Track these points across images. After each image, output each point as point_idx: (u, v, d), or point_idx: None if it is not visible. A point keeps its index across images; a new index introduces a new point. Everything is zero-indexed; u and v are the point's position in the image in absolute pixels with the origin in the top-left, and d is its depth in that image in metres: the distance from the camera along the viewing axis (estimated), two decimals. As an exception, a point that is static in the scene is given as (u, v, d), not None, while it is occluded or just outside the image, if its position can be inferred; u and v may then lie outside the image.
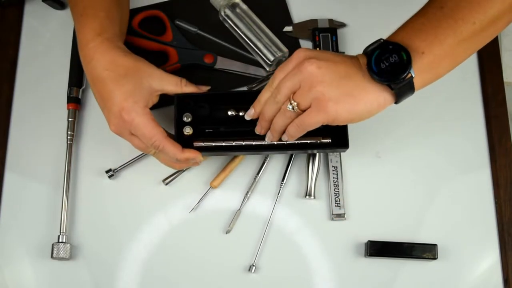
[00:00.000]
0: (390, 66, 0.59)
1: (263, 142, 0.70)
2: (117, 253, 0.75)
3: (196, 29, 0.84)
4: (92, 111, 0.81)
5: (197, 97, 0.73)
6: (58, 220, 0.75)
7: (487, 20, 0.59)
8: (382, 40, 0.61)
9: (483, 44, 0.63)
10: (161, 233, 0.76)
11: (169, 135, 0.69)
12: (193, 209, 0.76)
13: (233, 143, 0.72)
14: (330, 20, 0.84)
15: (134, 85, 0.66)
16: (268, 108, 0.64)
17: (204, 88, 0.72)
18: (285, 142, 0.70)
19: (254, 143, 0.71)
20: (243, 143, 0.72)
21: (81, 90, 0.80)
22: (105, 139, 0.79)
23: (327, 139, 0.72)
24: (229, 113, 0.73)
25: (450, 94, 0.82)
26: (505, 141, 0.79)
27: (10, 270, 0.75)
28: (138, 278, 0.75)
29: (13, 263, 0.75)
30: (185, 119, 0.73)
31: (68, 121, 0.78)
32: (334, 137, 0.72)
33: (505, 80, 0.83)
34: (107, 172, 0.77)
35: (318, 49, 0.78)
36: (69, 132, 0.78)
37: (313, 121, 0.61)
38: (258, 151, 0.74)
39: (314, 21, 0.85)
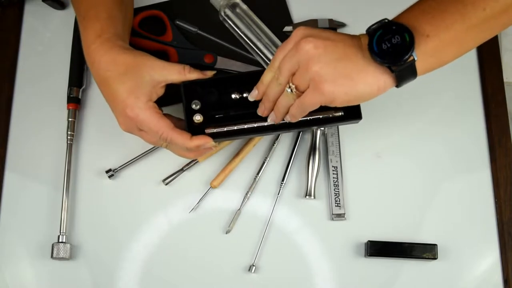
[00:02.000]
0: (392, 47, 0.56)
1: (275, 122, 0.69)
2: (117, 253, 0.75)
3: (196, 29, 0.84)
4: (92, 111, 0.81)
5: (203, 83, 0.72)
6: (58, 220, 0.75)
7: (498, 7, 0.57)
8: (386, 20, 0.58)
9: (494, 34, 0.60)
10: (161, 233, 0.76)
11: (182, 123, 0.69)
12: (193, 209, 0.76)
13: (245, 126, 0.70)
14: (330, 20, 0.84)
15: (135, 81, 0.65)
16: (271, 90, 0.63)
17: (209, 73, 0.70)
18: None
19: (266, 123, 0.69)
20: (255, 125, 0.70)
21: (81, 90, 0.80)
22: (105, 139, 0.80)
23: (339, 113, 0.70)
24: (238, 96, 0.72)
25: (450, 94, 0.82)
26: (505, 141, 0.79)
27: (10, 270, 0.75)
28: (138, 278, 0.75)
29: (13, 263, 0.75)
30: (194, 106, 0.71)
31: (68, 121, 0.78)
32: (346, 110, 0.70)
33: (505, 80, 0.83)
34: (107, 172, 0.77)
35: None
36: (69, 132, 0.78)
37: (311, 102, 0.60)
38: (270, 132, 0.72)
39: (314, 21, 0.85)
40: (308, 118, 0.70)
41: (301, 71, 0.59)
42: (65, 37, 0.83)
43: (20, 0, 0.85)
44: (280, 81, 0.61)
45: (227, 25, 0.82)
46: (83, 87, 0.81)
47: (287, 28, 0.84)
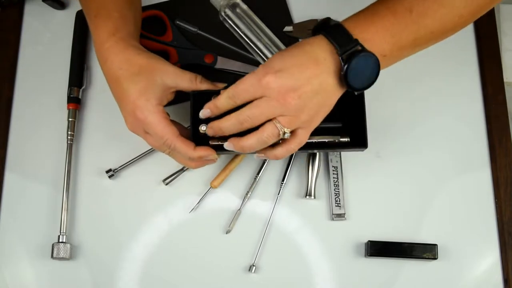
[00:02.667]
0: (359, 73, 0.60)
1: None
2: (117, 253, 0.75)
3: (196, 29, 0.84)
4: (92, 111, 0.81)
5: (213, 94, 0.70)
6: (58, 220, 0.75)
7: (442, 31, 0.63)
8: (358, 47, 0.59)
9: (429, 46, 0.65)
10: (161, 233, 0.76)
11: (186, 131, 0.69)
12: (193, 209, 0.77)
13: None
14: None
15: (147, 83, 0.66)
16: (230, 127, 0.63)
17: (220, 85, 0.70)
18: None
19: None
20: None
21: (81, 90, 0.80)
22: (105, 139, 0.80)
23: (345, 138, 0.71)
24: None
25: (450, 94, 0.82)
26: (505, 141, 0.79)
27: (10, 270, 0.75)
28: (138, 278, 0.75)
29: (13, 263, 0.75)
30: (201, 117, 0.70)
31: (68, 121, 0.78)
32: (353, 136, 0.71)
33: (505, 80, 0.83)
34: (107, 172, 0.77)
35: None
36: (69, 132, 0.78)
37: (303, 141, 0.64)
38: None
39: (314, 21, 0.85)
40: (314, 141, 0.70)
41: (291, 119, 0.61)
42: (65, 37, 0.83)
43: (20, 0, 0.85)
44: (245, 125, 0.62)
45: (227, 25, 0.82)
46: (83, 87, 0.81)
47: (287, 28, 0.84)
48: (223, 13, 0.81)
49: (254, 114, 0.61)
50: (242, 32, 0.81)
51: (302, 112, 0.60)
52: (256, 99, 0.60)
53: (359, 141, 0.71)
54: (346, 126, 0.72)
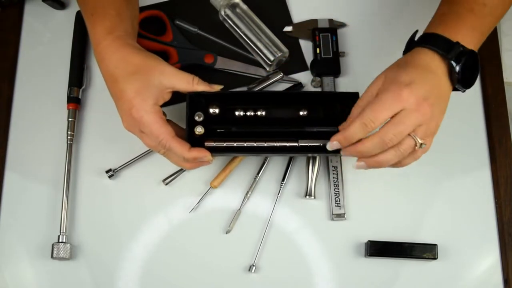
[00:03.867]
0: (467, 72, 0.65)
1: (275, 144, 0.70)
2: (117, 253, 0.75)
3: (196, 29, 0.84)
4: (92, 111, 0.81)
5: (209, 96, 0.72)
6: (58, 220, 0.75)
7: (504, 12, 0.69)
8: (460, 49, 0.63)
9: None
10: (161, 233, 0.76)
11: (183, 132, 0.69)
12: (193, 209, 0.76)
13: (245, 144, 0.70)
14: (330, 20, 0.84)
15: (144, 83, 0.66)
16: (371, 149, 0.63)
17: (217, 87, 0.70)
18: (297, 145, 0.69)
19: (266, 144, 0.70)
20: (255, 145, 0.70)
21: (81, 90, 0.80)
22: (105, 139, 0.80)
23: None
24: (242, 113, 0.72)
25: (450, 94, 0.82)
26: (505, 141, 0.79)
27: (10, 270, 0.75)
28: (138, 278, 0.75)
29: (13, 263, 0.75)
30: (196, 118, 0.71)
31: (68, 121, 0.78)
32: None
33: (505, 80, 0.83)
34: (107, 172, 0.77)
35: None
36: (69, 132, 0.78)
37: (423, 153, 0.66)
38: (270, 153, 0.73)
39: (314, 21, 0.85)
40: (312, 144, 0.70)
41: (425, 129, 0.62)
42: (65, 37, 0.83)
43: (20, 0, 0.85)
44: (389, 145, 0.62)
45: (227, 25, 0.82)
46: (83, 87, 0.81)
47: (287, 28, 0.84)
48: (223, 13, 0.81)
49: (399, 130, 0.61)
50: (242, 32, 0.81)
51: (433, 120, 0.62)
52: (394, 115, 0.61)
53: None
54: None
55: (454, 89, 0.65)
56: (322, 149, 0.70)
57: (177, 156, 0.67)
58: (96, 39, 0.67)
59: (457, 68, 0.63)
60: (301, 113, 0.72)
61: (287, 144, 0.69)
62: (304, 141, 0.69)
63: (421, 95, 0.61)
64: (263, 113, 0.72)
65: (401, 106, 0.60)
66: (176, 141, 0.66)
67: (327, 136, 0.66)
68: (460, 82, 0.64)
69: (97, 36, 0.67)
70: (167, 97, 0.68)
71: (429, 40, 0.64)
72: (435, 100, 0.62)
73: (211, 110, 0.72)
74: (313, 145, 0.70)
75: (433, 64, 0.63)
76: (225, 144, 0.70)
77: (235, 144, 0.70)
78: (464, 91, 0.66)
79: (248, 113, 0.72)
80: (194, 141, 0.69)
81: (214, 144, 0.70)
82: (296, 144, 0.69)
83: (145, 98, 0.65)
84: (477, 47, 0.66)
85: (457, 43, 0.63)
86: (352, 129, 0.62)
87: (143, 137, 0.68)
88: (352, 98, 0.69)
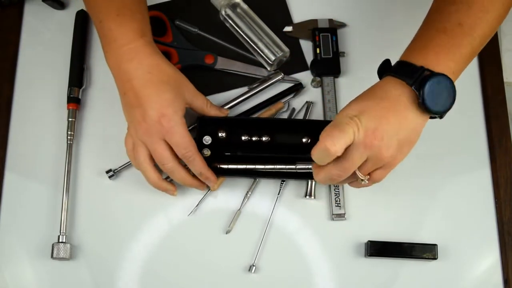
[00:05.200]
0: (437, 97, 0.60)
1: (282, 166, 0.73)
2: (117, 253, 0.75)
3: (196, 30, 0.84)
4: (92, 111, 0.81)
5: (218, 120, 0.75)
6: (58, 220, 0.75)
7: (491, 33, 0.64)
8: (425, 73, 0.60)
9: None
10: (161, 233, 0.76)
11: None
12: (191, 212, 0.76)
13: (251, 166, 0.73)
14: (330, 20, 0.85)
15: (175, 95, 0.67)
16: (323, 180, 0.64)
17: (225, 112, 0.75)
18: (304, 171, 0.70)
19: (269, 166, 0.73)
20: (261, 167, 0.73)
21: (81, 90, 0.80)
22: (105, 139, 0.80)
23: None
24: (247, 138, 0.75)
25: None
26: (505, 141, 0.80)
27: (10, 270, 0.75)
28: (138, 278, 0.75)
29: (13, 263, 0.75)
30: (204, 141, 0.75)
31: (68, 121, 0.78)
32: None
33: (505, 80, 0.83)
34: (107, 172, 0.77)
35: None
36: (69, 132, 0.78)
37: (382, 177, 0.64)
38: (276, 177, 0.76)
39: (314, 21, 0.85)
40: (298, 166, 0.71)
41: (374, 161, 0.61)
42: (65, 37, 0.83)
43: (20, 0, 0.85)
44: (347, 175, 0.62)
45: (227, 25, 0.82)
46: (83, 87, 0.81)
47: (287, 28, 0.84)
48: (223, 13, 0.81)
49: (344, 167, 0.61)
50: (243, 32, 0.81)
51: (384, 151, 0.60)
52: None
53: None
54: None
55: (430, 112, 0.61)
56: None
57: (194, 169, 0.70)
58: (123, 39, 0.67)
59: (420, 94, 0.59)
60: (304, 140, 0.75)
61: (295, 170, 0.71)
62: (301, 164, 0.70)
63: (369, 126, 0.58)
64: (268, 138, 0.75)
65: (350, 140, 0.59)
66: (200, 156, 0.69)
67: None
68: (425, 108, 0.59)
69: (125, 36, 0.67)
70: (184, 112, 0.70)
71: (395, 68, 0.62)
72: (390, 130, 0.59)
73: (220, 134, 0.75)
74: (301, 170, 0.71)
75: (394, 93, 0.60)
76: (233, 166, 0.74)
77: (242, 167, 0.73)
78: (441, 117, 0.63)
79: (253, 138, 0.75)
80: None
81: (224, 166, 0.74)
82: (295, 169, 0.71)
83: (177, 110, 0.67)
84: (455, 70, 0.62)
85: (421, 67, 0.60)
86: (314, 157, 0.62)
87: (159, 146, 0.67)
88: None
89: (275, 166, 0.73)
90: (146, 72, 0.66)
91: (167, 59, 0.70)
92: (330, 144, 0.58)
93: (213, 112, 0.73)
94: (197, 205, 0.77)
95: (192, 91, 0.71)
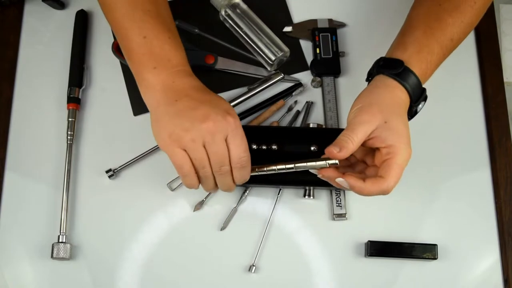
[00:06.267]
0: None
1: (288, 166, 0.67)
2: (117, 253, 0.75)
3: (196, 30, 0.84)
4: (92, 111, 0.81)
5: None
6: (58, 220, 0.75)
7: (463, 39, 0.71)
8: (424, 94, 0.69)
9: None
10: (161, 233, 0.76)
11: None
12: (196, 208, 0.76)
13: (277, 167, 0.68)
14: (330, 20, 0.85)
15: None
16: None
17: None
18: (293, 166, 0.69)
19: (278, 167, 0.69)
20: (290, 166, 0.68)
21: (81, 90, 0.80)
22: (105, 139, 0.80)
23: (334, 161, 0.68)
24: (256, 147, 0.75)
25: (450, 94, 0.82)
26: (505, 141, 0.80)
27: (10, 270, 0.75)
28: (138, 278, 0.75)
29: (13, 263, 0.75)
30: None
31: (68, 121, 0.78)
32: None
33: (505, 80, 0.83)
34: (107, 172, 0.77)
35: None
36: (69, 132, 0.78)
37: None
38: (301, 185, 0.77)
39: (314, 21, 0.85)
40: (302, 164, 0.69)
41: None
42: (65, 37, 0.83)
43: (20, 0, 0.85)
44: None
45: (227, 25, 0.82)
46: (83, 87, 0.81)
47: (287, 28, 0.84)
48: (223, 13, 0.81)
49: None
50: (243, 32, 0.81)
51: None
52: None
53: None
54: None
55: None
56: (320, 183, 0.71)
57: (244, 177, 0.66)
58: (178, 61, 0.66)
59: (414, 110, 0.69)
60: (312, 148, 0.75)
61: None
62: (299, 163, 0.67)
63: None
64: (275, 147, 0.75)
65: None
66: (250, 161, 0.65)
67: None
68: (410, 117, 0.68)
69: (178, 59, 0.66)
70: None
71: (404, 76, 0.66)
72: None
73: None
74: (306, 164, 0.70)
75: (402, 97, 0.66)
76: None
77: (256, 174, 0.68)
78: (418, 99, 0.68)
79: (262, 147, 0.74)
80: None
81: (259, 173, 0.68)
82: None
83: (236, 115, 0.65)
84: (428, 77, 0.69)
85: (424, 89, 0.69)
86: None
87: (219, 148, 0.63)
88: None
89: (306, 164, 0.66)
90: (202, 86, 0.66)
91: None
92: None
93: None
94: (204, 200, 0.77)
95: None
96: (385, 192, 0.62)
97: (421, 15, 0.70)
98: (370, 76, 0.69)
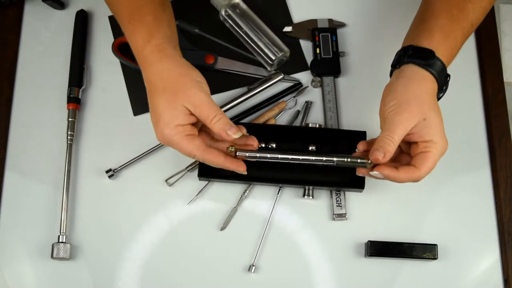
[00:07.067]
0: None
1: (327, 158, 0.68)
2: (117, 253, 0.75)
3: (196, 30, 0.84)
4: (92, 111, 0.81)
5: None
6: (58, 220, 0.75)
7: (480, 19, 0.70)
8: (448, 76, 0.69)
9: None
10: (161, 233, 0.76)
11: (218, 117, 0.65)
12: (191, 201, 0.77)
13: (279, 156, 0.68)
14: (330, 20, 0.85)
15: (168, 105, 0.64)
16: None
17: (233, 133, 0.65)
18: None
19: (285, 158, 0.69)
20: (289, 157, 0.68)
21: (81, 90, 0.80)
22: (105, 139, 0.80)
23: (367, 160, 0.68)
24: (262, 144, 0.75)
25: (450, 94, 0.82)
26: (505, 141, 0.79)
27: (10, 270, 0.75)
28: (138, 278, 0.75)
29: (13, 263, 0.75)
30: None
31: (68, 121, 0.78)
32: (352, 177, 0.73)
33: (505, 80, 0.83)
34: (107, 172, 0.77)
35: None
36: (69, 132, 0.78)
37: None
38: (279, 184, 0.77)
39: (314, 21, 0.85)
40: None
41: None
42: (65, 37, 0.83)
43: (20, 0, 0.85)
44: None
45: (227, 25, 0.82)
46: (83, 87, 0.81)
47: (287, 28, 0.84)
48: (223, 13, 0.81)
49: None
50: (243, 31, 0.81)
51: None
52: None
53: (357, 182, 0.74)
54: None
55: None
56: (332, 184, 0.75)
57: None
58: (136, 48, 0.66)
59: (440, 95, 0.69)
60: (310, 148, 0.75)
61: (322, 163, 0.70)
62: (340, 157, 0.68)
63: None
64: (274, 145, 0.75)
65: None
66: (207, 153, 0.65)
67: (333, 170, 0.72)
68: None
69: (136, 44, 0.66)
70: (194, 119, 0.65)
71: (436, 67, 0.66)
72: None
73: None
74: (322, 180, 0.75)
75: (433, 88, 0.67)
76: (258, 154, 0.67)
77: (268, 155, 0.68)
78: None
79: (260, 145, 0.74)
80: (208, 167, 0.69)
81: (247, 154, 0.67)
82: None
83: (168, 122, 0.63)
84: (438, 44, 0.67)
85: (449, 75, 0.69)
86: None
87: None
88: (359, 136, 0.75)
89: (311, 157, 0.67)
90: (148, 81, 0.65)
91: (173, 61, 0.66)
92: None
93: (216, 128, 0.64)
94: (197, 194, 0.77)
95: (196, 100, 0.64)
96: (416, 180, 0.64)
97: (443, 1, 0.69)
98: (398, 64, 0.67)
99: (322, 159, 0.68)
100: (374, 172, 0.65)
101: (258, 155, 0.67)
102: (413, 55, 0.65)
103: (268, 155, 0.68)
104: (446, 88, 0.69)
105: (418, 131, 0.63)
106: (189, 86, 0.64)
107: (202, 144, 0.65)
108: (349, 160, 0.67)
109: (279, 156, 0.68)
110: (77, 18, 0.84)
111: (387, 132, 0.63)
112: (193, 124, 0.65)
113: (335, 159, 0.67)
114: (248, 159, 0.67)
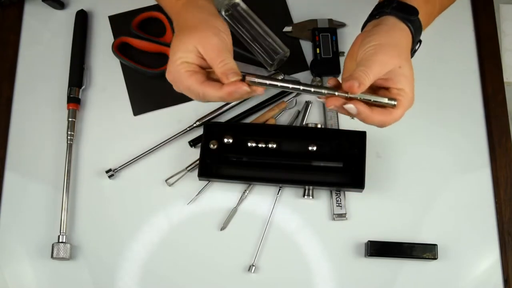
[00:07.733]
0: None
1: (294, 86, 0.63)
2: (117, 253, 0.75)
3: (196, 29, 0.83)
4: (92, 111, 0.81)
5: (224, 126, 0.76)
6: (58, 220, 0.75)
7: None
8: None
9: None
10: (161, 233, 0.76)
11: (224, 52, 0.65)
12: (191, 201, 0.77)
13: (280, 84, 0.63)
14: (330, 20, 0.85)
15: (180, 45, 0.65)
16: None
17: (260, 90, 0.63)
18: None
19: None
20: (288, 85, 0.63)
21: (81, 90, 0.80)
22: (105, 139, 0.80)
23: (393, 101, 0.65)
24: (254, 144, 0.75)
25: (451, 94, 0.82)
26: (505, 141, 0.79)
27: (10, 270, 0.75)
28: (138, 278, 0.75)
29: (13, 263, 0.75)
30: (211, 146, 0.75)
31: (68, 121, 0.78)
32: (352, 177, 0.75)
33: (505, 80, 0.83)
34: (107, 172, 0.77)
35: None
36: (69, 132, 0.78)
37: None
38: (278, 183, 0.77)
39: (314, 21, 0.85)
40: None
41: None
42: (65, 37, 0.83)
43: (20, 0, 0.85)
44: None
45: (227, 24, 0.82)
46: (83, 87, 0.81)
47: (287, 28, 0.84)
48: (223, 13, 0.81)
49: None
50: (243, 32, 0.81)
51: None
52: None
53: (357, 182, 0.74)
54: (346, 166, 0.75)
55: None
56: (328, 184, 0.76)
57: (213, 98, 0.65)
58: (170, 4, 0.68)
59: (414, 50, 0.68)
60: (310, 148, 0.75)
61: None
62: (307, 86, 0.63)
63: None
64: (274, 145, 0.75)
65: None
66: (205, 86, 0.63)
67: (333, 171, 0.74)
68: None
69: (171, 0, 0.68)
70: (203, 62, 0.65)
71: (413, 19, 0.66)
72: None
73: (225, 140, 0.75)
74: (320, 181, 0.75)
75: (408, 41, 0.67)
76: (268, 82, 0.63)
77: (278, 84, 0.62)
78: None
79: (260, 145, 0.75)
80: (210, 157, 0.73)
81: (256, 80, 0.63)
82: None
83: (178, 58, 0.64)
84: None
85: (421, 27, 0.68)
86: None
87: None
88: (359, 136, 0.75)
89: (296, 86, 0.62)
90: (175, 27, 0.66)
91: (205, 8, 0.67)
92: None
93: (219, 72, 0.63)
94: (197, 194, 0.77)
95: (207, 43, 0.64)
96: (384, 125, 0.63)
97: None
98: (378, 14, 0.67)
99: (289, 87, 0.62)
100: (349, 105, 0.61)
101: (268, 82, 0.62)
102: (397, 8, 0.65)
103: (278, 84, 0.63)
104: (414, 53, 0.68)
105: (392, 77, 0.62)
106: (205, 29, 0.65)
107: (202, 77, 0.64)
108: (314, 90, 0.62)
109: (279, 84, 0.63)
110: (77, 18, 0.84)
111: (363, 67, 0.61)
112: (202, 68, 0.65)
113: (301, 87, 0.62)
114: (257, 86, 0.63)
